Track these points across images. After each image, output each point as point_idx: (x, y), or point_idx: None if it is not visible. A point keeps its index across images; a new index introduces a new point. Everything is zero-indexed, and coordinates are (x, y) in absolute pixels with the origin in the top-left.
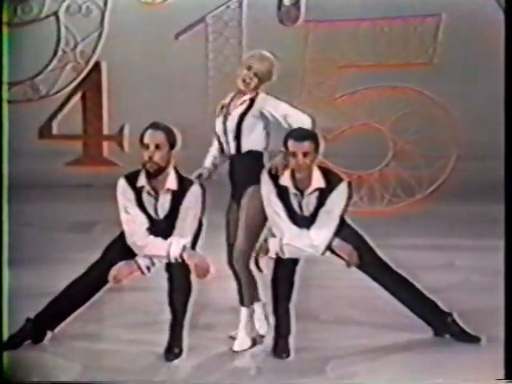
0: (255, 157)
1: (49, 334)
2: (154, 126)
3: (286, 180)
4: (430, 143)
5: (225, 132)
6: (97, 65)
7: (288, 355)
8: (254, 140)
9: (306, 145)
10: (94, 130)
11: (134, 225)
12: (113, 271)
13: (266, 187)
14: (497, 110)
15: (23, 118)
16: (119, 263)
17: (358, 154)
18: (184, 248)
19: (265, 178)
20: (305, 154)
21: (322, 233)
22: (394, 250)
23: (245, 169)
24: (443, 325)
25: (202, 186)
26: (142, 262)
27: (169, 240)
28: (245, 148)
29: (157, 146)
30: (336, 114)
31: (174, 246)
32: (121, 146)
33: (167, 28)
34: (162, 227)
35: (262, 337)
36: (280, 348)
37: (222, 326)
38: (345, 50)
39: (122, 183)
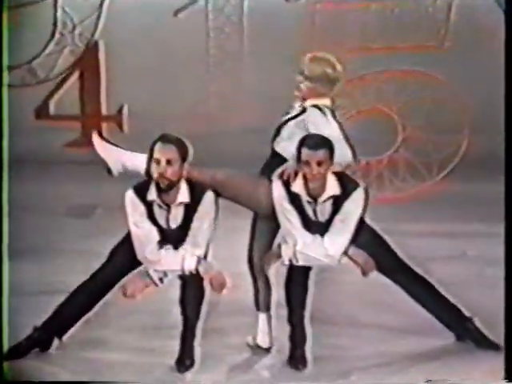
0: (281, 162)
1: (56, 342)
2: (164, 138)
3: (298, 187)
4: (440, 128)
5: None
6: (95, 44)
7: (305, 366)
8: (286, 147)
9: (321, 153)
10: (93, 111)
11: (144, 239)
12: (128, 288)
13: (278, 193)
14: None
15: (22, 102)
16: (132, 277)
17: (366, 139)
18: (199, 261)
19: (276, 183)
20: (319, 163)
21: (336, 242)
22: (403, 238)
23: (271, 170)
24: (464, 330)
25: (216, 192)
26: (155, 274)
27: (181, 252)
28: (278, 150)
29: (168, 162)
30: (344, 98)
31: (188, 259)
32: (120, 127)
33: (166, 6)
34: (174, 236)
35: (267, 350)
36: (296, 358)
37: (236, 330)
38: (353, 32)
39: (130, 196)
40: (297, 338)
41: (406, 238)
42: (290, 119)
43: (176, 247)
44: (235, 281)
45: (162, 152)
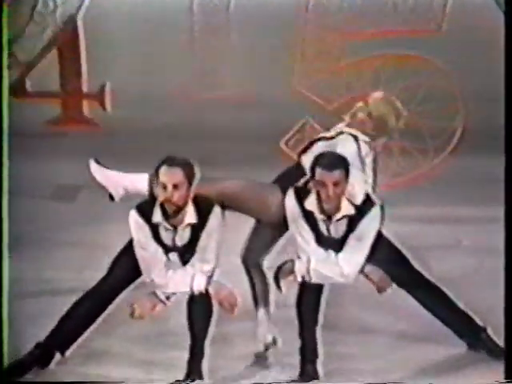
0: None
1: (57, 357)
2: (170, 161)
3: (311, 205)
4: (436, 114)
5: None
6: (74, 21)
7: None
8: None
9: (337, 174)
10: (73, 89)
11: (151, 261)
12: (136, 310)
13: (292, 209)
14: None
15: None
16: (140, 299)
17: None
18: (209, 281)
19: (290, 199)
20: (335, 184)
21: (352, 261)
22: (397, 224)
23: (289, 181)
24: (477, 340)
25: (222, 205)
26: (162, 293)
27: (190, 272)
28: (303, 162)
29: (175, 186)
30: (339, 83)
31: (198, 280)
32: (102, 105)
33: None
34: (181, 254)
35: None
36: (308, 373)
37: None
38: (348, 16)
39: (134, 217)
40: (308, 354)
41: (401, 225)
42: (321, 138)
43: (183, 263)
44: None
45: (168, 176)
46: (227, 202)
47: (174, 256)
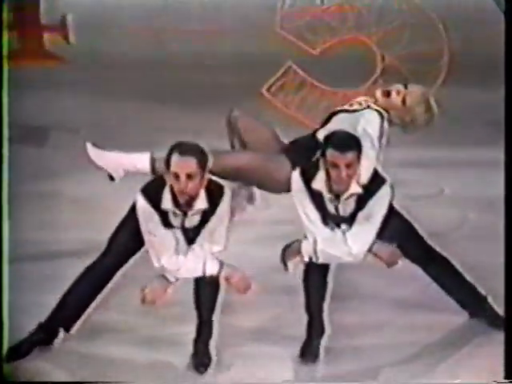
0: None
1: (61, 335)
2: (182, 149)
3: (319, 184)
4: (419, 58)
5: None
6: None
7: (316, 360)
8: (324, 133)
9: (350, 156)
10: (31, 20)
11: (160, 247)
12: (147, 295)
13: (297, 188)
14: (495, 23)
15: None
16: (151, 285)
17: (344, 70)
18: (221, 265)
19: (296, 179)
20: (348, 166)
21: (360, 240)
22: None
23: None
24: (480, 310)
25: (231, 179)
26: (171, 276)
27: (201, 255)
28: (319, 136)
29: (188, 176)
30: (323, 26)
31: (210, 264)
32: (65, 38)
33: None
34: (189, 235)
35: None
36: (310, 351)
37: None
38: None
39: (142, 204)
40: (314, 330)
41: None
42: (342, 111)
43: (189, 241)
44: None
45: (180, 166)
46: (236, 175)
47: (179, 235)
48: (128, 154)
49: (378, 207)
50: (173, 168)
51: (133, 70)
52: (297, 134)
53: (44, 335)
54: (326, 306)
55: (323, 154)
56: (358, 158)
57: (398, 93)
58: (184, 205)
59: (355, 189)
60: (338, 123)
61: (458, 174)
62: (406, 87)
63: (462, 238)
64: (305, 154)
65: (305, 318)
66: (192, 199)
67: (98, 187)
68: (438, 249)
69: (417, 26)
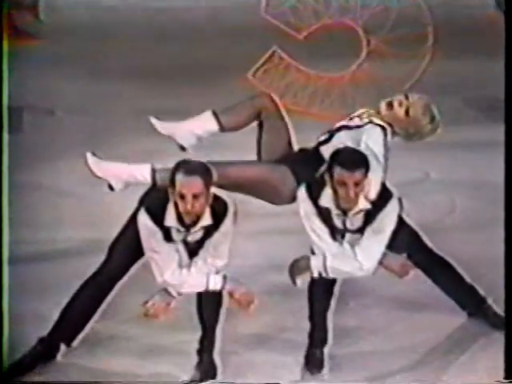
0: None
1: (63, 349)
2: (187, 169)
3: (326, 201)
4: (404, 41)
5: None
6: None
7: (321, 369)
8: (328, 150)
9: (358, 174)
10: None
11: (163, 263)
12: (150, 309)
13: (305, 206)
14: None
15: None
16: (153, 299)
17: (330, 54)
18: (225, 279)
19: (303, 196)
20: (356, 184)
21: (370, 255)
22: None
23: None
24: (479, 309)
25: (234, 190)
26: (173, 290)
27: (204, 270)
28: (322, 151)
29: (195, 196)
30: (307, 11)
31: (213, 279)
32: (36, 16)
33: None
34: (192, 249)
35: None
36: (313, 360)
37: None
38: None
39: (145, 221)
40: (316, 338)
41: None
42: (345, 127)
43: (191, 254)
44: None
45: (186, 186)
46: (239, 187)
47: (181, 248)
48: (128, 166)
49: (386, 221)
50: (178, 188)
51: (110, 45)
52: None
53: (45, 350)
54: (329, 315)
55: (330, 172)
56: (366, 174)
57: (401, 104)
58: (189, 223)
59: (364, 205)
60: (341, 140)
61: (444, 157)
62: (407, 98)
63: (451, 226)
64: (308, 169)
65: (305, 322)
66: (198, 218)
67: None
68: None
69: (402, 9)
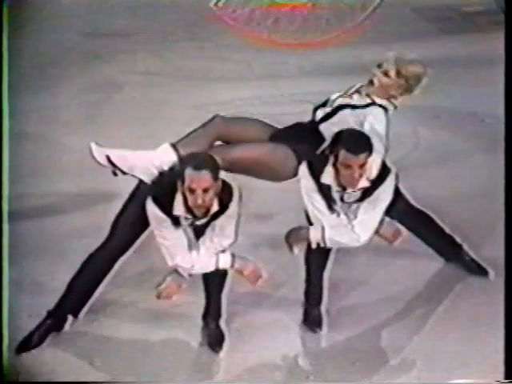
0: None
1: (70, 320)
2: (196, 163)
3: (328, 179)
4: None
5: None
6: None
7: (321, 327)
8: (329, 130)
9: (363, 157)
10: None
11: (173, 248)
12: (162, 292)
13: (306, 183)
14: None
15: None
16: (165, 281)
17: None
18: (234, 258)
19: (304, 173)
20: (361, 166)
21: (367, 228)
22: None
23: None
24: (456, 256)
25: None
26: (184, 271)
27: (212, 249)
28: (321, 129)
29: (205, 190)
30: None
31: (223, 258)
32: None
33: None
34: (200, 230)
35: None
36: (314, 318)
37: None
38: None
39: (153, 210)
40: (312, 297)
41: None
42: (347, 106)
43: (198, 235)
44: None
45: (196, 181)
46: (240, 168)
47: (189, 231)
48: (132, 153)
49: (383, 196)
50: (188, 183)
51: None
52: (249, 51)
53: (54, 322)
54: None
55: (333, 152)
56: (369, 156)
57: (391, 69)
58: (199, 215)
59: (364, 183)
60: (343, 120)
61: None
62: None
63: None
64: (309, 147)
65: (296, 276)
66: (207, 210)
67: None
68: None
69: None
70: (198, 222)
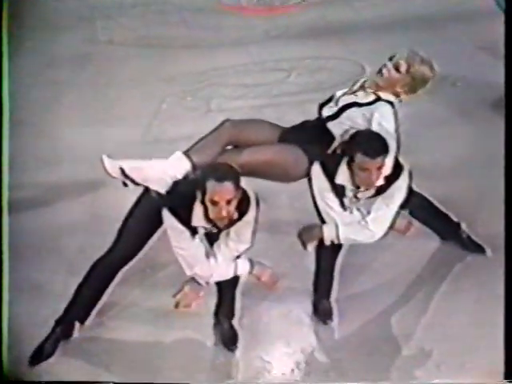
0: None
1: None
2: (218, 175)
3: (343, 179)
4: None
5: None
6: None
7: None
8: (337, 127)
9: (380, 159)
10: None
11: (192, 258)
12: (181, 302)
13: (320, 183)
14: None
15: None
16: (183, 290)
17: None
18: (252, 264)
19: (318, 173)
20: (379, 168)
21: (381, 224)
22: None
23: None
24: (454, 235)
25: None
26: (201, 279)
27: (229, 255)
28: (330, 127)
29: (228, 202)
30: None
31: (241, 266)
32: None
33: None
34: (215, 235)
35: None
36: (324, 309)
37: None
38: None
39: (170, 221)
40: (322, 289)
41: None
42: (353, 104)
43: (211, 241)
44: None
45: (219, 193)
46: (251, 171)
47: (204, 239)
48: (145, 163)
49: (397, 193)
50: (210, 195)
51: None
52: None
53: (62, 330)
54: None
55: (345, 151)
56: (386, 158)
57: (402, 65)
58: (222, 227)
59: (380, 182)
60: (351, 117)
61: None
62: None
63: None
64: (319, 146)
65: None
66: (230, 221)
67: None
68: None
69: None
70: (215, 230)
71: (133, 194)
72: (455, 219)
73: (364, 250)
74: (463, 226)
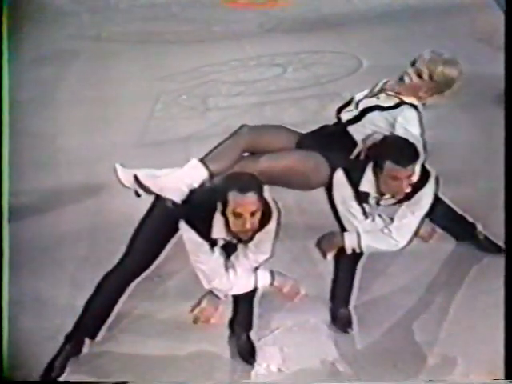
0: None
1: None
2: (241, 186)
3: (368, 187)
4: None
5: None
6: None
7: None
8: (359, 131)
9: (410, 168)
10: None
11: (211, 271)
12: (200, 317)
13: (343, 190)
14: None
15: None
16: (201, 304)
17: None
18: (273, 276)
19: (341, 181)
20: (409, 176)
21: (405, 233)
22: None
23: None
24: (471, 236)
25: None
26: (220, 293)
27: (248, 267)
28: (351, 131)
29: (252, 213)
30: None
31: (262, 277)
32: None
33: None
34: (233, 246)
35: None
36: (343, 319)
37: None
38: None
39: (189, 234)
40: (340, 298)
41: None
42: (375, 107)
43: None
44: None
45: (243, 205)
46: (270, 178)
47: (221, 251)
48: (159, 172)
49: (425, 201)
50: (233, 207)
51: None
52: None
53: (72, 347)
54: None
55: (369, 157)
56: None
57: (424, 72)
58: (245, 239)
59: (407, 190)
60: (373, 121)
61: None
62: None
63: None
64: (341, 152)
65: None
66: (254, 233)
67: None
68: None
69: None
70: (235, 241)
71: (136, 199)
72: (471, 220)
73: (378, 255)
74: (479, 226)
